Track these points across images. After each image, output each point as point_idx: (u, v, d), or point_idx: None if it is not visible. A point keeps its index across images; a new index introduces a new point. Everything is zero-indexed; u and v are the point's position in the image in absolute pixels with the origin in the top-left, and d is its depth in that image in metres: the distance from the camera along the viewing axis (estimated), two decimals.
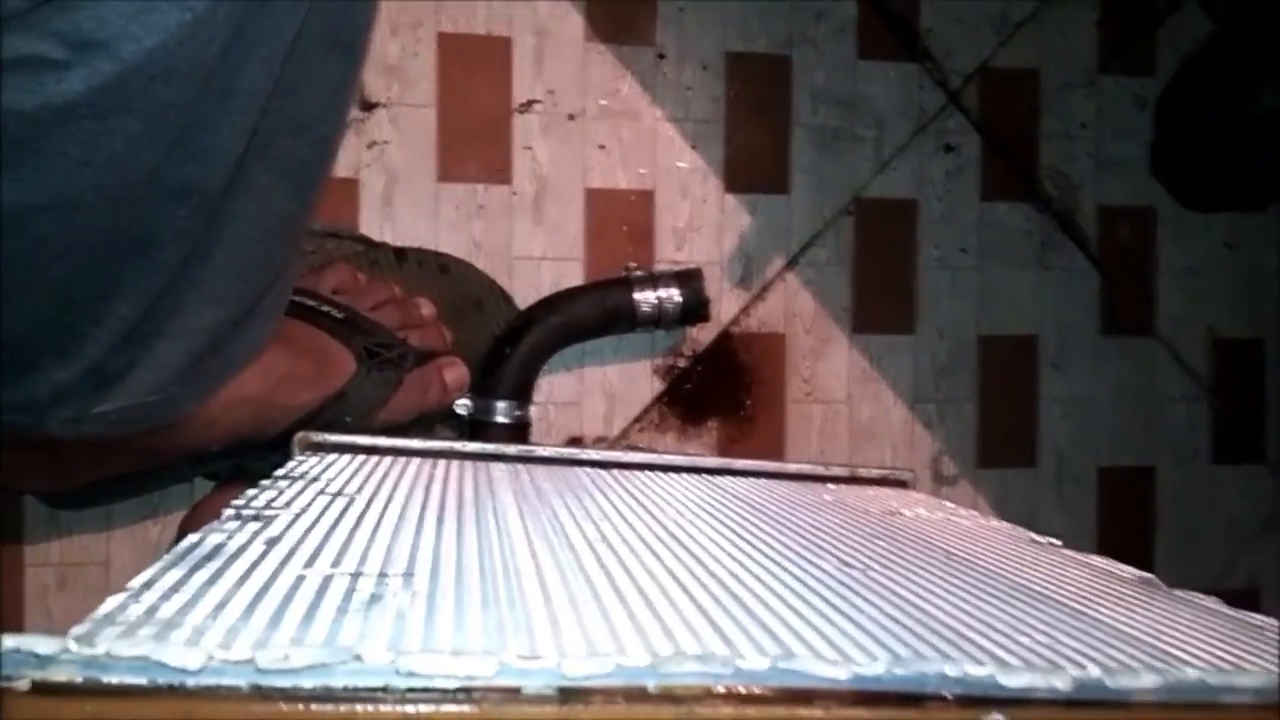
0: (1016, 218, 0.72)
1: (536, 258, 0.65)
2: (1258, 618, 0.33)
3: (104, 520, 0.60)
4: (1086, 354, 0.73)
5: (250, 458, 0.57)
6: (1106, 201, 0.73)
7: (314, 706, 0.18)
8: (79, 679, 0.18)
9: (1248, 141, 0.65)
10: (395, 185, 0.64)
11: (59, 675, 0.18)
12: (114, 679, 0.18)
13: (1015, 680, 0.20)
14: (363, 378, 0.56)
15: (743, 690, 0.20)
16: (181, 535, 0.57)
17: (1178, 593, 0.37)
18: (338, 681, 0.18)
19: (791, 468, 0.59)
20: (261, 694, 0.18)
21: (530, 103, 0.65)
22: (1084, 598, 0.33)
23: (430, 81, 0.63)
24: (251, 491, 0.37)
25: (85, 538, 0.60)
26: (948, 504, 0.55)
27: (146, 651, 0.17)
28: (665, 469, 0.55)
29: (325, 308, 0.56)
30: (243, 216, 0.38)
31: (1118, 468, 0.74)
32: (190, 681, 0.18)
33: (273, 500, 0.37)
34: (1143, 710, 0.21)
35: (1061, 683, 0.20)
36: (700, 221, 0.67)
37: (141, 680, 0.18)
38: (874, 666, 0.20)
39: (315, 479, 0.43)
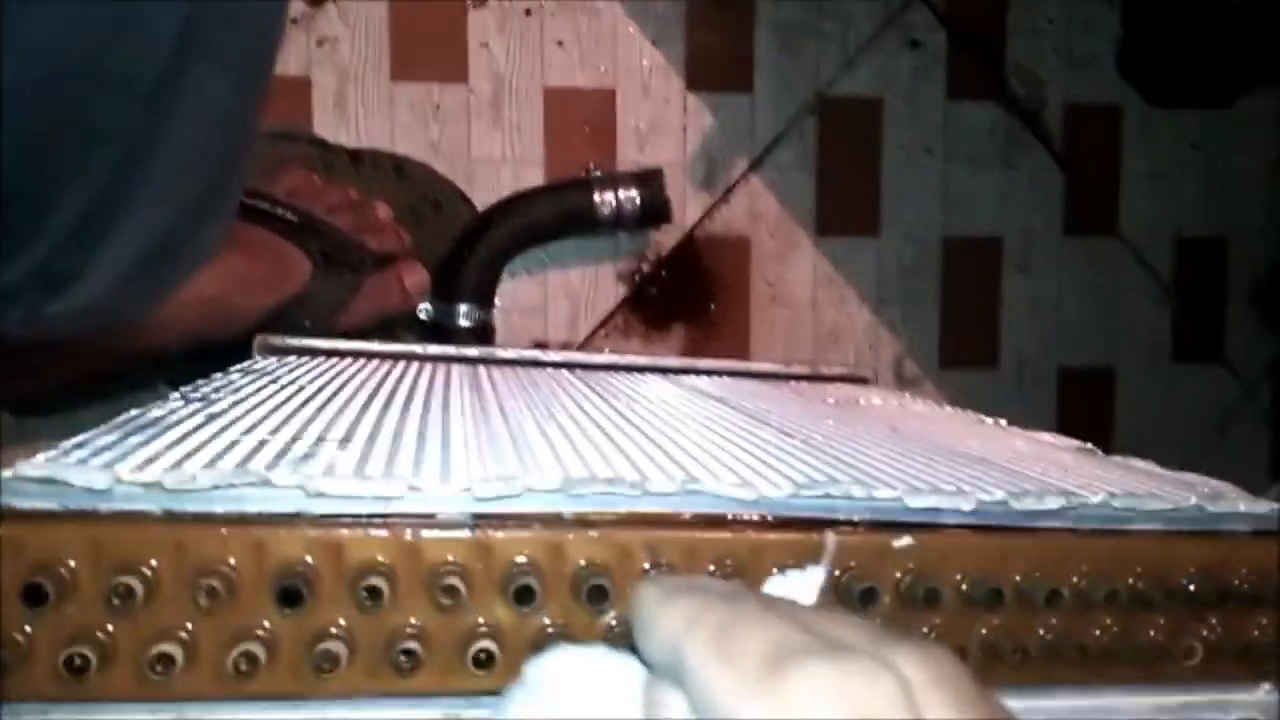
0: (982, 116, 0.71)
1: (496, 160, 0.64)
2: (1189, 476, 0.34)
3: (72, 428, 0.60)
4: (1050, 255, 0.73)
5: (213, 363, 0.57)
6: (1073, 100, 0.73)
7: (225, 530, 0.18)
8: None
9: (1216, 35, 0.64)
10: (347, 85, 0.62)
11: None
12: (26, 504, 0.18)
13: (921, 502, 0.21)
14: (320, 281, 0.56)
15: (654, 513, 0.20)
16: None
17: (1115, 458, 0.37)
18: (251, 507, 0.19)
19: (754, 367, 0.60)
20: (173, 518, 0.18)
21: None
22: (1017, 460, 0.33)
23: None
24: (201, 380, 0.38)
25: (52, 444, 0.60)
26: (905, 395, 0.56)
27: (52, 473, 0.18)
28: (628, 369, 0.56)
29: (279, 210, 0.55)
30: (183, 111, 0.37)
31: (1078, 368, 0.75)
32: (102, 506, 0.18)
33: (221, 386, 0.37)
34: (1050, 535, 0.22)
35: (966, 504, 0.21)
36: (663, 122, 0.67)
37: (53, 505, 0.18)
38: (781, 489, 0.20)
39: (269, 374, 0.43)
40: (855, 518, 0.21)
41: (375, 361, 0.50)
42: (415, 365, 0.50)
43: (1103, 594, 0.22)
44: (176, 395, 0.34)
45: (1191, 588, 0.22)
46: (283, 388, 0.38)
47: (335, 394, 0.38)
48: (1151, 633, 0.22)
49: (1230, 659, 0.23)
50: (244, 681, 0.18)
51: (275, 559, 0.18)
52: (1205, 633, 0.23)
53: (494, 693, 0.19)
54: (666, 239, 0.67)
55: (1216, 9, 0.64)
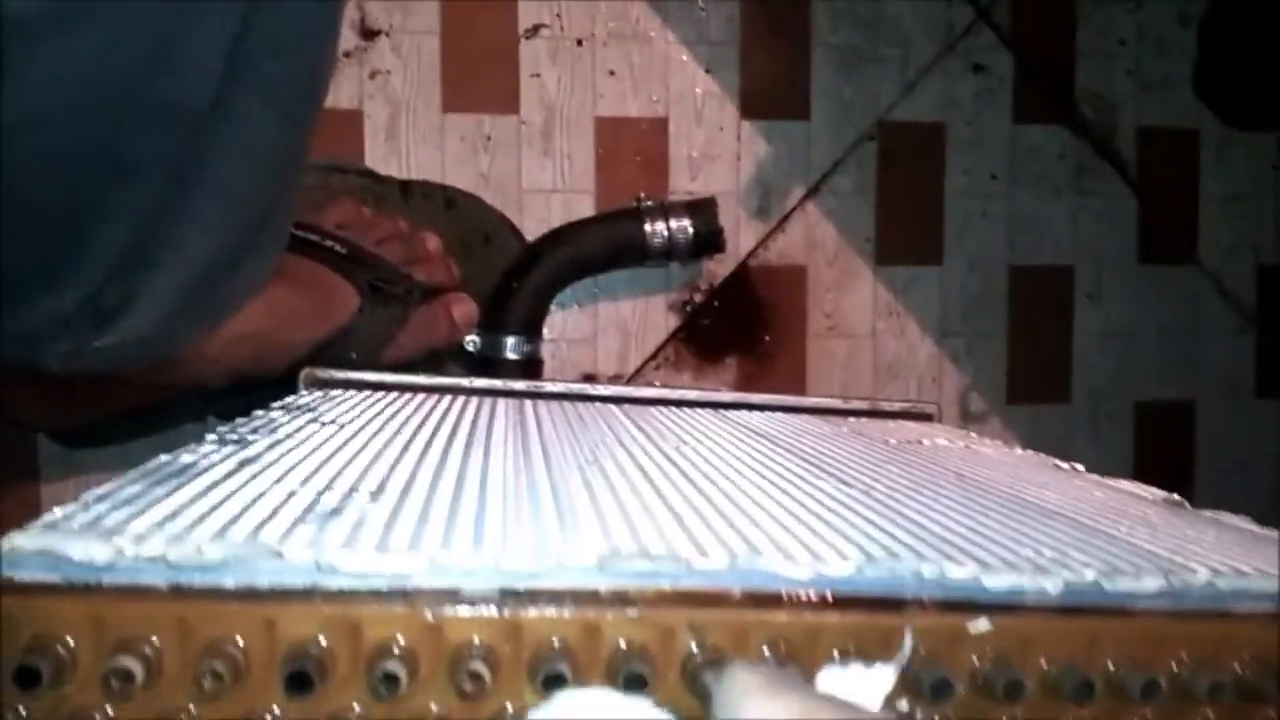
0: (1050, 141, 0.68)
1: (546, 190, 0.63)
2: None
3: (119, 460, 0.60)
4: (1124, 284, 0.70)
5: (261, 396, 0.57)
6: (1147, 123, 0.69)
7: (234, 606, 0.17)
8: None
9: None
10: (399, 117, 0.62)
11: None
12: (25, 576, 0.17)
13: (1000, 581, 0.19)
14: (368, 313, 0.55)
15: (700, 591, 0.18)
16: None
17: (1206, 513, 0.34)
18: (262, 581, 0.17)
19: (809, 401, 0.57)
20: (180, 593, 0.17)
21: (537, 27, 0.63)
22: (1099, 515, 0.31)
23: (433, 7, 0.61)
24: (241, 419, 0.37)
25: (101, 476, 0.60)
26: (972, 434, 0.53)
27: (49, 544, 0.16)
28: (678, 404, 0.54)
29: (329, 243, 0.55)
30: (229, 144, 0.37)
31: (1156, 402, 0.71)
32: (105, 579, 0.17)
33: (259, 426, 0.36)
34: (1145, 618, 0.20)
35: (1051, 585, 0.19)
36: (716, 150, 0.65)
37: (54, 578, 0.17)
38: (843, 567, 0.18)
39: (311, 409, 0.42)
40: (925, 597, 0.19)
41: (421, 395, 0.49)
42: (461, 399, 0.49)
43: (1206, 685, 0.19)
44: (213, 437, 0.33)
45: None
46: (323, 426, 0.37)
47: (375, 434, 0.37)
48: None
49: None
50: None
51: (286, 639, 0.17)
52: None
53: None
54: (720, 269, 0.66)
55: None
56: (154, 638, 0.17)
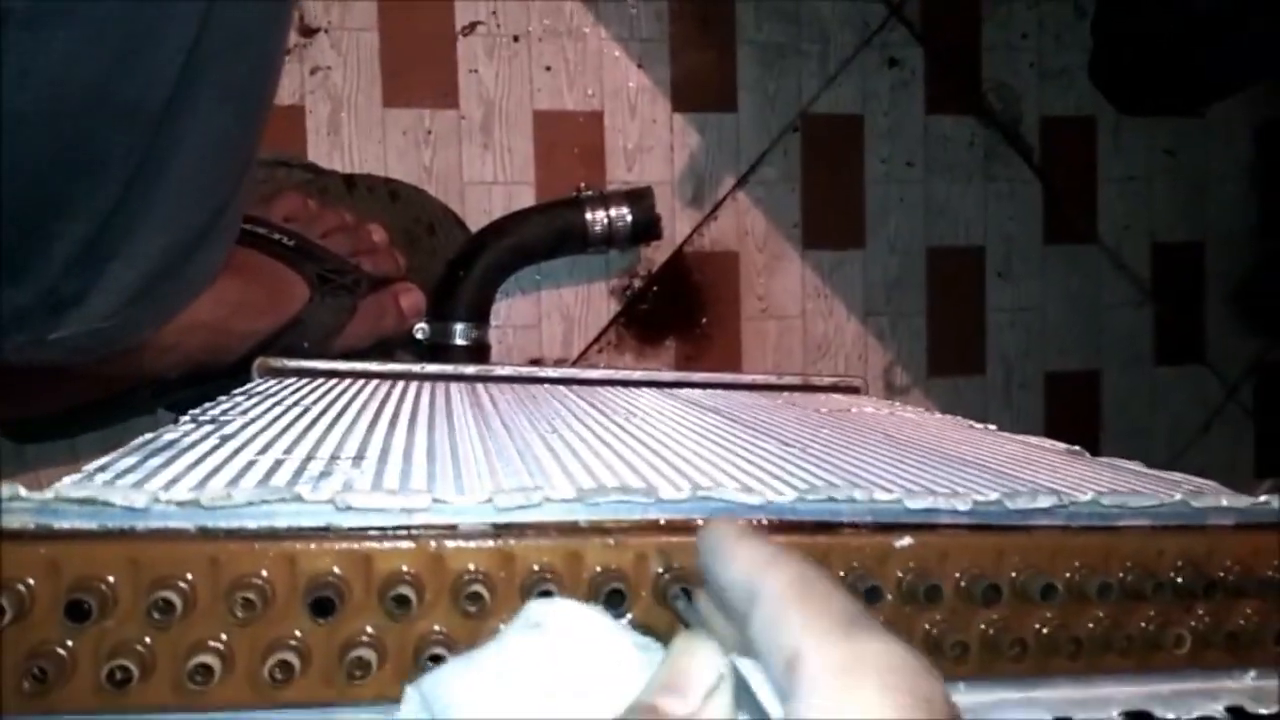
0: (961, 130, 0.73)
1: (488, 182, 0.65)
2: (1175, 475, 0.35)
3: (69, 455, 0.60)
4: (1031, 263, 0.75)
5: (212, 387, 0.58)
6: (1049, 112, 0.74)
7: (258, 545, 0.19)
8: (31, 525, 0.19)
9: (1185, 44, 0.66)
10: (341, 112, 0.63)
11: (13, 522, 0.18)
12: (65, 524, 0.19)
13: (920, 503, 0.22)
14: (318, 304, 0.56)
15: (665, 520, 0.21)
16: None
17: (1103, 459, 0.39)
18: (281, 522, 0.20)
19: (747, 378, 0.61)
20: (207, 534, 0.19)
21: (474, 24, 0.65)
22: (1009, 463, 0.34)
23: (371, 5, 0.63)
24: (207, 404, 0.38)
25: (51, 472, 0.60)
26: (896, 404, 0.57)
27: (93, 493, 0.18)
28: (623, 383, 0.57)
29: (276, 235, 0.56)
30: (188, 138, 0.38)
31: (1064, 372, 0.76)
32: (139, 524, 0.19)
33: (228, 410, 0.38)
34: (1043, 533, 0.23)
35: (963, 505, 0.22)
36: (650, 141, 0.68)
37: (91, 524, 0.19)
38: (787, 495, 0.21)
39: (272, 396, 0.44)
40: (858, 520, 0.22)
41: (374, 382, 0.51)
42: (414, 384, 0.51)
43: (1095, 587, 0.23)
44: (187, 419, 0.35)
45: (1179, 580, 0.23)
46: (288, 409, 0.39)
47: (341, 414, 0.39)
48: (1142, 624, 0.23)
49: (1217, 647, 0.24)
50: (280, 689, 0.19)
51: (307, 572, 0.19)
52: (1193, 623, 0.24)
53: None
54: (657, 255, 0.68)
55: (1184, 17, 0.66)
56: (188, 575, 0.19)
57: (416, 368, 0.54)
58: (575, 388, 0.54)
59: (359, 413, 0.39)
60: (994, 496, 0.22)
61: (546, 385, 0.54)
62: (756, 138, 0.70)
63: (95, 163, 0.35)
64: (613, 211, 0.63)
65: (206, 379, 0.56)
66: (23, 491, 0.18)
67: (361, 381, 0.51)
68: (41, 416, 0.57)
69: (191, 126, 0.38)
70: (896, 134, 0.72)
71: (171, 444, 0.30)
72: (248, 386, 0.46)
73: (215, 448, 0.29)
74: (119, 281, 0.40)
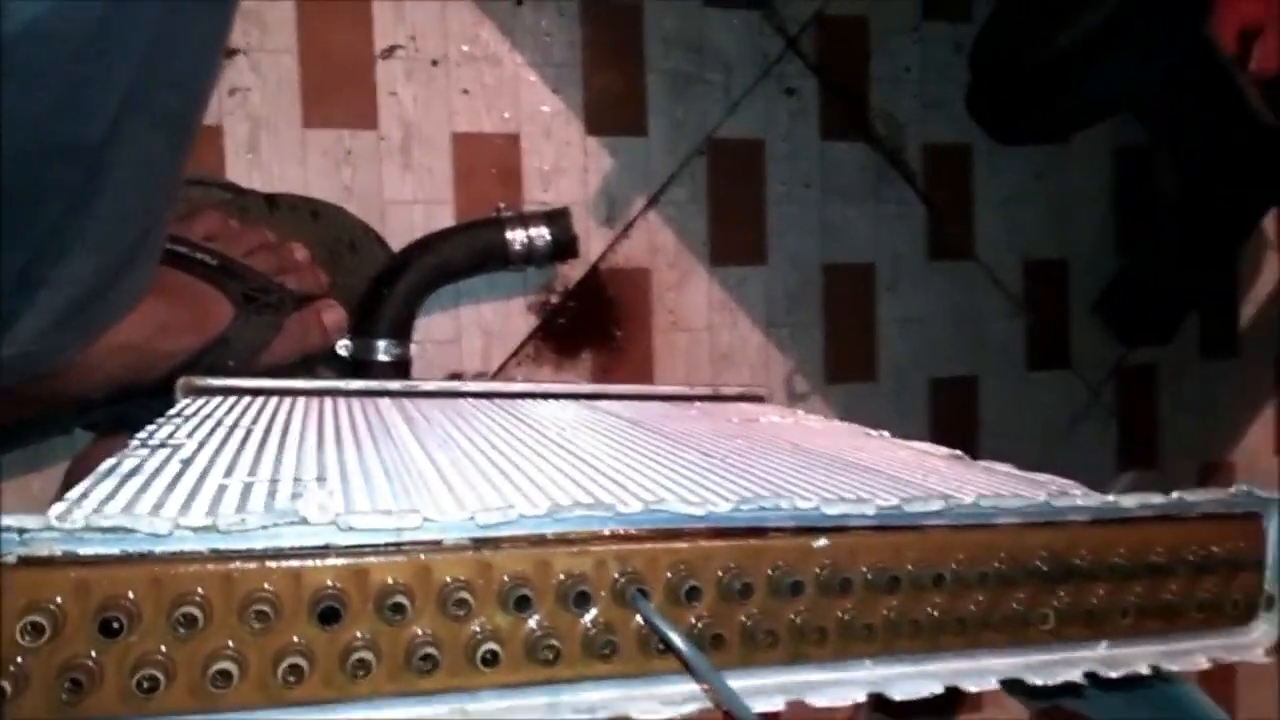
0: (853, 155, 0.79)
1: (408, 201, 0.67)
2: (1041, 476, 0.41)
3: None
4: (917, 278, 0.81)
5: (132, 406, 0.58)
6: (930, 140, 0.81)
7: (268, 563, 0.22)
8: (59, 552, 0.21)
9: (1048, 79, 0.73)
10: (260, 132, 0.64)
11: (42, 550, 0.20)
12: (90, 550, 0.21)
13: (834, 509, 0.26)
14: (242, 323, 0.57)
15: (623, 531, 0.24)
16: (68, 485, 0.57)
17: (980, 463, 0.44)
18: (285, 542, 0.22)
19: (661, 390, 0.64)
20: (221, 556, 0.21)
21: (393, 48, 0.67)
22: (902, 468, 0.39)
23: (290, 27, 0.64)
24: (150, 427, 0.39)
25: None
26: (800, 412, 0.61)
27: (121, 522, 0.21)
28: (544, 396, 0.59)
29: (199, 255, 0.57)
30: (120, 167, 0.39)
31: (946, 378, 0.83)
32: (158, 549, 0.21)
33: (173, 433, 0.39)
34: (934, 532, 0.27)
35: (869, 510, 0.26)
36: (565, 163, 0.71)
37: (114, 550, 0.21)
38: (725, 506, 0.25)
39: (208, 416, 0.45)
40: (782, 525, 0.26)
41: (302, 399, 0.52)
42: (341, 400, 0.53)
43: (975, 576, 0.27)
44: (136, 444, 0.36)
45: (1044, 568, 0.28)
46: (231, 430, 0.41)
47: (285, 433, 0.40)
48: (1014, 605, 0.28)
49: (1077, 623, 0.29)
50: (290, 690, 0.21)
51: (310, 585, 0.22)
52: (1056, 603, 0.28)
53: (498, 688, 0.23)
54: (572, 272, 0.72)
55: (1046, 56, 0.73)
56: (202, 591, 0.21)
57: (342, 384, 0.56)
58: (499, 401, 0.57)
59: (301, 431, 0.41)
60: (894, 502, 0.26)
61: (470, 399, 0.57)
62: (666, 161, 0.73)
63: (33, 197, 0.36)
64: (532, 231, 0.66)
65: (127, 398, 0.56)
66: (54, 522, 0.20)
67: (289, 400, 0.52)
68: None
69: (127, 155, 0.39)
70: (795, 158, 0.77)
71: (136, 469, 0.31)
72: (178, 407, 0.47)
73: (180, 472, 0.31)
74: (48, 306, 0.41)
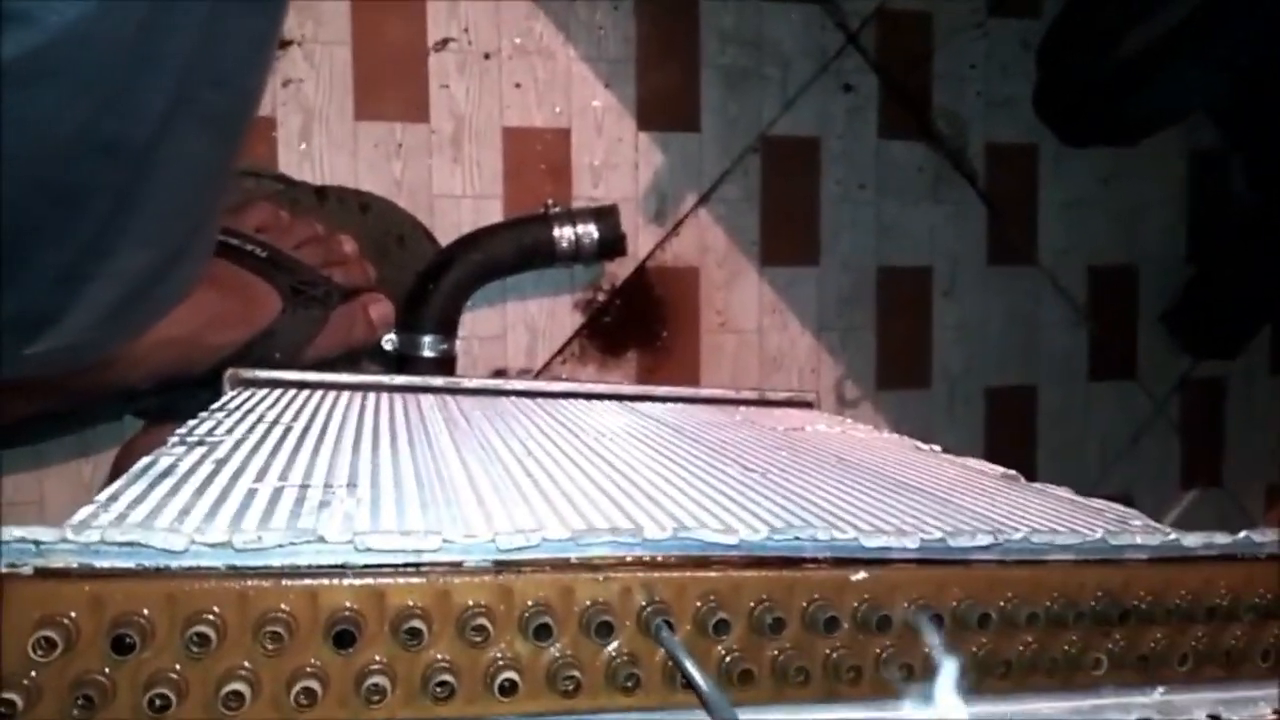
0: (911, 155, 0.76)
1: (457, 195, 0.67)
2: (1099, 502, 0.39)
3: (35, 460, 0.61)
4: (975, 283, 0.79)
5: (179, 395, 0.59)
6: (994, 139, 0.78)
7: (284, 582, 0.21)
8: (75, 564, 0.20)
9: (1119, 80, 0.70)
10: (312, 124, 0.64)
11: (57, 561, 0.20)
12: (105, 563, 0.20)
13: (874, 542, 0.24)
14: (289, 315, 0.58)
15: (649, 557, 0.23)
16: (115, 472, 0.58)
17: (1035, 485, 0.42)
18: (303, 560, 0.21)
19: (705, 393, 0.63)
20: (237, 573, 0.21)
21: (445, 41, 0.66)
22: (951, 489, 0.37)
23: (344, 19, 0.64)
24: (191, 422, 0.40)
25: (18, 477, 0.60)
26: (847, 420, 0.60)
27: (136, 537, 0.20)
28: (587, 397, 0.59)
29: (249, 246, 0.57)
30: (168, 165, 0.39)
31: (1003, 387, 0.80)
32: (174, 564, 0.21)
33: (214, 429, 0.39)
34: (980, 567, 0.26)
35: (911, 544, 0.25)
36: (616, 159, 0.70)
37: (130, 564, 0.21)
38: (758, 535, 0.24)
39: (251, 411, 0.45)
40: (818, 555, 0.24)
41: (346, 393, 0.53)
42: (385, 396, 0.53)
43: (1024, 616, 0.26)
44: (175, 440, 0.36)
45: (1098, 608, 0.26)
46: (271, 427, 0.41)
47: (324, 432, 0.40)
48: (1065, 647, 0.26)
49: (1130, 668, 0.27)
50: (303, 713, 0.21)
51: (327, 606, 0.21)
52: (1110, 645, 0.27)
53: (516, 717, 0.22)
54: (620, 270, 0.71)
55: (1115, 58, 0.70)
56: (217, 609, 0.21)
57: (386, 379, 0.55)
58: (540, 401, 0.56)
59: (340, 430, 0.41)
60: (938, 535, 0.25)
61: (513, 398, 0.56)
62: (718, 158, 0.72)
63: (79, 196, 0.36)
64: (579, 228, 0.65)
65: (175, 387, 0.57)
66: (70, 534, 0.20)
67: (334, 393, 0.52)
68: (7, 424, 0.57)
69: (172, 155, 0.39)
70: (851, 157, 0.75)
71: (170, 470, 0.31)
72: (223, 401, 0.47)
73: (213, 473, 0.31)
74: (96, 300, 0.41)
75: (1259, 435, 0.88)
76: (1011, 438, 0.80)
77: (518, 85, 0.68)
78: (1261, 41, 0.60)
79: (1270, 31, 0.58)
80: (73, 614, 0.20)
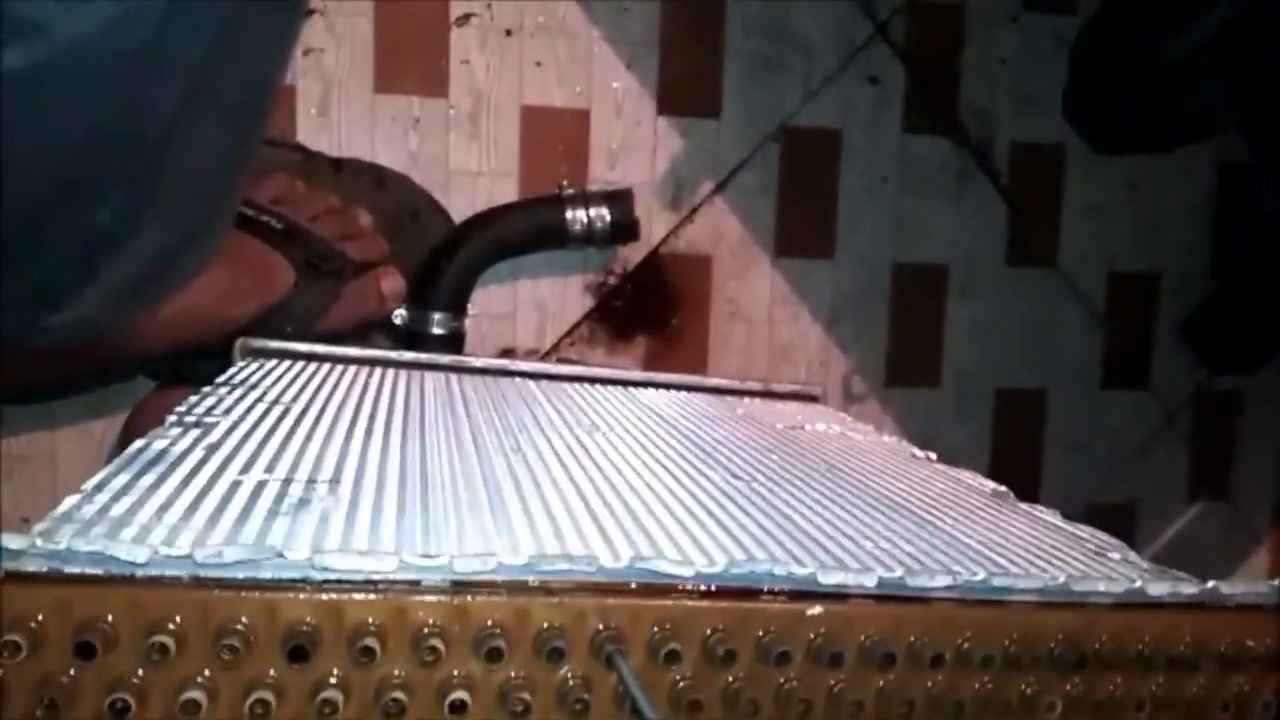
0: (935, 150, 0.75)
1: (472, 173, 0.67)
2: (1084, 529, 0.39)
3: (48, 417, 0.62)
4: (992, 283, 0.78)
5: (190, 359, 0.60)
6: (1020, 138, 0.77)
7: (243, 594, 0.22)
8: (44, 569, 0.21)
9: (1153, 89, 0.69)
10: (331, 94, 0.65)
11: (28, 566, 0.21)
12: (74, 569, 0.21)
13: (831, 578, 0.25)
14: (302, 288, 0.58)
15: (606, 583, 0.24)
16: (126, 433, 0.60)
17: (1023, 506, 0.42)
18: (264, 574, 0.22)
19: (710, 382, 0.63)
20: (199, 583, 0.22)
21: (467, 16, 0.66)
22: (935, 508, 0.38)
23: None
24: (193, 399, 0.40)
25: (31, 434, 0.62)
26: (848, 419, 0.60)
27: (101, 547, 0.21)
28: (591, 381, 0.59)
29: (264, 217, 0.58)
30: (186, 154, 0.39)
31: (1013, 390, 0.79)
32: (139, 573, 0.21)
33: (213, 407, 0.40)
34: (939, 605, 0.26)
35: (869, 581, 0.25)
36: (634, 142, 0.70)
37: (98, 570, 0.21)
38: (715, 566, 0.24)
39: (255, 386, 0.46)
40: (776, 589, 0.25)
41: (353, 368, 0.53)
42: (390, 371, 0.53)
43: (980, 657, 0.26)
44: (173, 419, 0.37)
45: (1057, 652, 0.27)
46: (270, 406, 0.41)
47: (319, 416, 0.41)
48: (1021, 689, 0.27)
49: (1084, 714, 0.27)
50: None
51: (285, 620, 0.22)
52: (1067, 688, 0.27)
53: None
54: (632, 254, 0.71)
55: (1153, 65, 0.68)
56: (178, 618, 0.21)
57: (394, 355, 0.56)
58: (544, 383, 0.57)
59: (337, 415, 0.41)
60: (898, 574, 0.25)
61: (517, 379, 0.57)
62: (737, 145, 0.71)
63: (94, 188, 0.37)
64: (593, 211, 0.65)
65: (186, 356, 0.58)
66: (38, 542, 0.21)
67: (340, 368, 0.53)
68: (22, 386, 0.58)
69: (192, 143, 0.39)
70: (873, 150, 0.74)
71: (161, 456, 0.32)
72: (230, 373, 0.48)
73: (202, 461, 0.32)
74: (114, 276, 0.42)
75: (1269, 451, 0.86)
76: (1019, 440, 0.80)
77: (538, 64, 0.67)
78: None
79: None
80: (40, 617, 0.21)
